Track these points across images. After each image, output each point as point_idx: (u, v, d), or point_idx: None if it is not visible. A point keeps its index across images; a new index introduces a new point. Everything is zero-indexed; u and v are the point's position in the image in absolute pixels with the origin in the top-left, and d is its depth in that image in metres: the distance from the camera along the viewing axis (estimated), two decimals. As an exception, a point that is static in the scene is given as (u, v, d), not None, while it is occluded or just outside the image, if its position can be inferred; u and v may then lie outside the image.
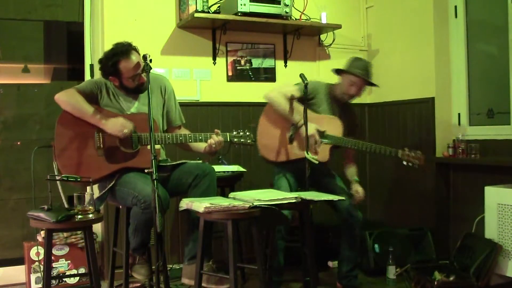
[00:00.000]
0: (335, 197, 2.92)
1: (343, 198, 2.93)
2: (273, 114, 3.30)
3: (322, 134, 3.19)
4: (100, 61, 2.86)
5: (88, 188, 2.86)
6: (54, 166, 2.73)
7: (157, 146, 2.80)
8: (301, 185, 3.20)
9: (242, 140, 2.94)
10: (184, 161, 3.01)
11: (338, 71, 3.37)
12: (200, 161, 3.07)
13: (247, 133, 2.96)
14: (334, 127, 3.27)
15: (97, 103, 2.87)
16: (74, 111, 2.77)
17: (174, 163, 3.01)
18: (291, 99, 3.23)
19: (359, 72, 3.25)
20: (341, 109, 3.38)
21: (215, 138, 2.86)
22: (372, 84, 3.35)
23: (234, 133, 2.95)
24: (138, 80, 2.84)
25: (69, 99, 2.78)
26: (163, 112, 3.05)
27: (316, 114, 3.30)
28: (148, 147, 2.76)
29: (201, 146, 3.01)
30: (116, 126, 2.75)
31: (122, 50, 2.79)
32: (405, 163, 3.19)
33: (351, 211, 3.25)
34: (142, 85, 2.87)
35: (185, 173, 2.94)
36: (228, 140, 2.92)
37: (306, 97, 3.15)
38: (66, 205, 3.00)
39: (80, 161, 2.75)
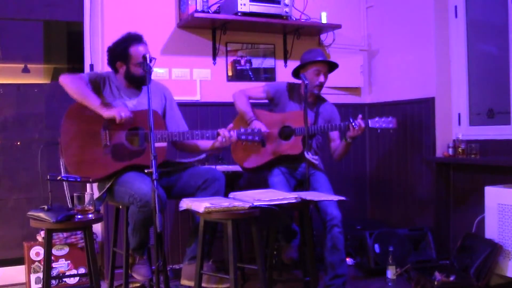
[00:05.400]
0: (335, 197, 2.92)
1: (343, 198, 2.92)
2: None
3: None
4: (110, 48, 2.91)
5: (88, 188, 2.85)
6: (61, 163, 2.72)
7: (164, 144, 2.81)
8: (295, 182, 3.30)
9: (250, 137, 2.94)
10: (192, 159, 3.02)
11: (297, 70, 3.44)
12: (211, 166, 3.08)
13: (255, 130, 2.96)
14: (298, 119, 3.29)
15: (99, 92, 2.87)
16: (77, 94, 2.76)
17: (182, 160, 3.02)
18: (251, 99, 3.42)
19: (321, 57, 3.37)
20: (308, 107, 3.41)
21: (226, 134, 2.86)
22: (334, 63, 3.43)
23: (242, 130, 2.95)
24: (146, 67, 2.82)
25: (74, 82, 2.78)
26: (165, 117, 3.06)
27: (281, 113, 3.41)
28: None
29: (204, 145, 3.01)
30: (115, 109, 2.72)
31: (134, 36, 2.87)
32: (379, 131, 3.38)
33: (327, 209, 3.09)
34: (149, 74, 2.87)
35: (194, 175, 2.94)
36: (236, 137, 2.92)
37: (306, 97, 3.14)
38: (70, 205, 2.99)
39: (87, 159, 2.74)
